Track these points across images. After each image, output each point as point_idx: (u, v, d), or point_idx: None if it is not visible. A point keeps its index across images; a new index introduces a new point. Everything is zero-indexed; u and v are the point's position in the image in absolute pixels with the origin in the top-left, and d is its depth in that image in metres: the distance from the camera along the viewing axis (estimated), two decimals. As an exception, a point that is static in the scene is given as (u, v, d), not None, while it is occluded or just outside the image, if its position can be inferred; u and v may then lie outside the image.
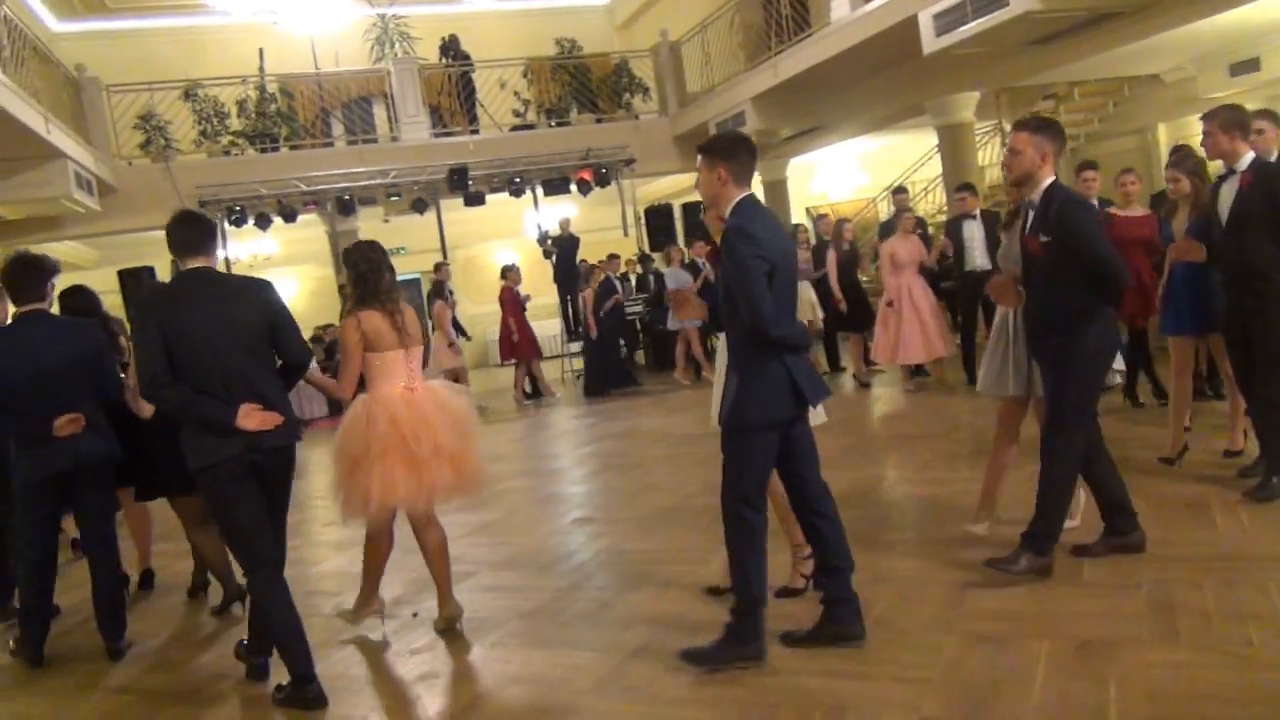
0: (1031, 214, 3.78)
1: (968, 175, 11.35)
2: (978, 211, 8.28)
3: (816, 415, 3.67)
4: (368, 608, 4.26)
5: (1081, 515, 4.24)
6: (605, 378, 11.90)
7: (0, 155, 9.03)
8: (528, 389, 12.24)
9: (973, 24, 7.97)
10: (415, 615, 4.44)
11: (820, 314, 9.74)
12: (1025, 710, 2.86)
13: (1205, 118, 4.45)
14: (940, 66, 9.88)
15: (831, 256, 9.62)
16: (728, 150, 3.36)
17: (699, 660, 3.36)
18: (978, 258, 8.03)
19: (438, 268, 11.58)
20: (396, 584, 5.04)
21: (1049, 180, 3.73)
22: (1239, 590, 3.45)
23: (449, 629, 4.13)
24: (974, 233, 8.13)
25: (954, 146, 11.43)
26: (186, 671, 4.15)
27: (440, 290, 11.22)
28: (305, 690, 3.49)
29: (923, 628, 3.51)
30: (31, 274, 4.28)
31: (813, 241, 11.17)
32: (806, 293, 9.22)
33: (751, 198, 3.38)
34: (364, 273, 4.08)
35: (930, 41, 8.55)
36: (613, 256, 12.64)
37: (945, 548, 4.29)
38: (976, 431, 6.53)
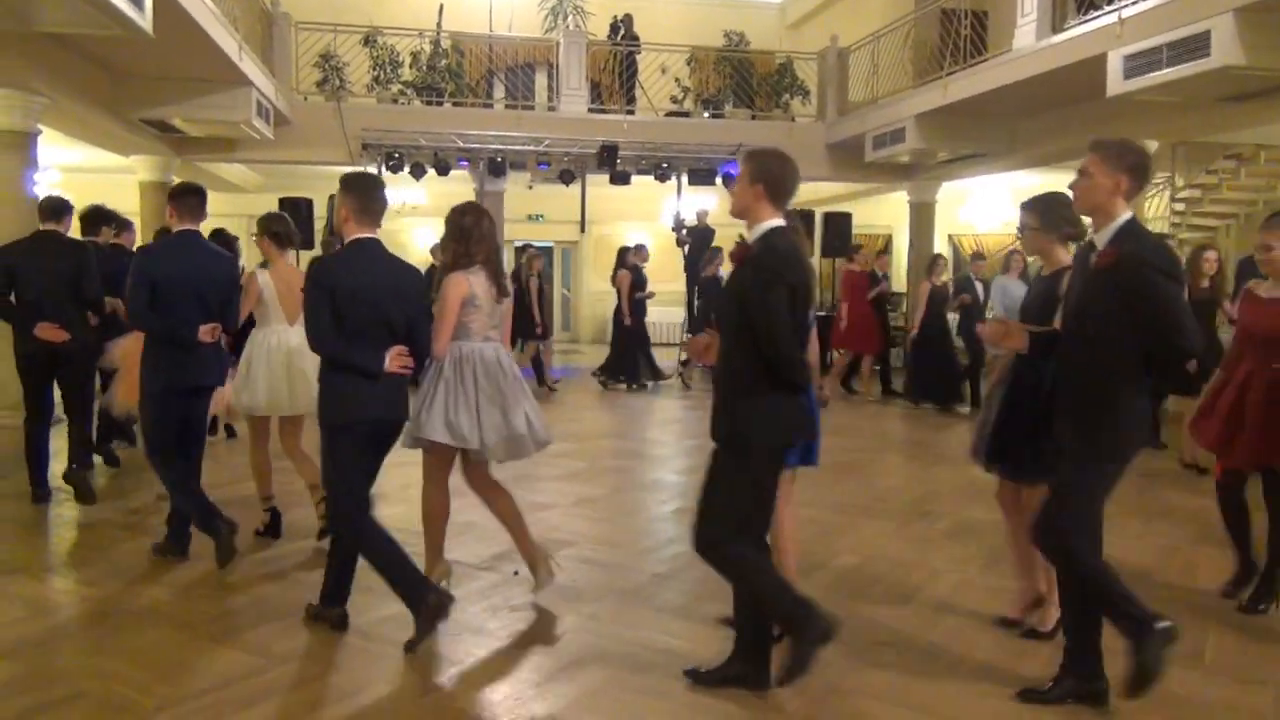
0: None
1: (1131, 226, 10.84)
2: None
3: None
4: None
5: None
6: (928, 388, 10.65)
7: (194, 75, 9.60)
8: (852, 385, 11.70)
9: (1166, 71, 7.58)
10: (515, 574, 4.57)
11: None
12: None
13: None
14: (1120, 110, 9.43)
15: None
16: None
17: None
18: None
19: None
20: (499, 542, 5.19)
21: None
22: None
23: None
24: None
25: (1121, 195, 10.91)
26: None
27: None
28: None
29: (1034, 678, 3.41)
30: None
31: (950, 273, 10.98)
32: None
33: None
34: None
35: (1116, 83, 8.17)
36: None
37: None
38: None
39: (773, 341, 3.08)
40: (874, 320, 11.44)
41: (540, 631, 3.92)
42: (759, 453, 3.18)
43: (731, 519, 3.21)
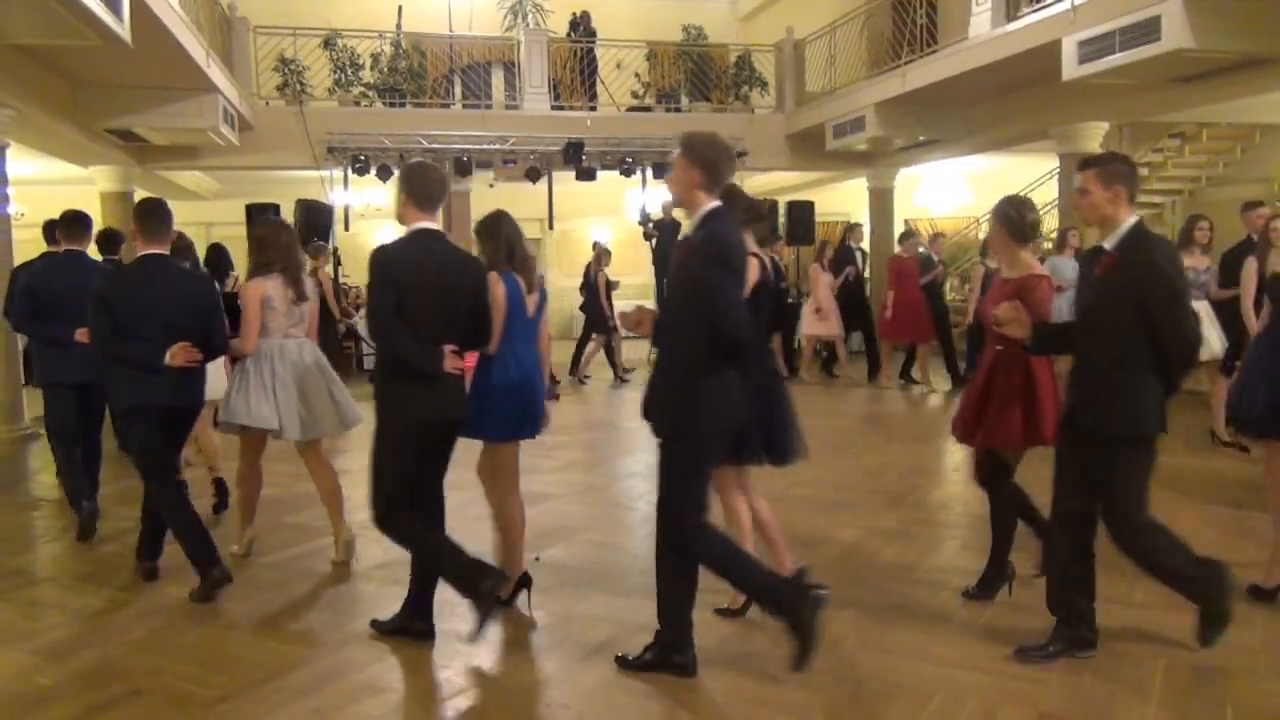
0: None
1: (1086, 205, 11.24)
2: None
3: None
4: None
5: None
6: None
7: (161, 83, 9.51)
8: (914, 375, 11.09)
9: (1120, 55, 7.91)
10: (537, 559, 4.71)
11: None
12: (1145, 720, 2.99)
13: None
14: (1073, 93, 9.81)
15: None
16: None
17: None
18: None
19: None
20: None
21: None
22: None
23: None
24: None
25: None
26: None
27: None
28: None
29: (1041, 632, 3.64)
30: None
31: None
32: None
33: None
34: None
35: (1071, 68, 8.49)
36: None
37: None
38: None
39: (379, 335, 3.56)
40: (925, 308, 10.81)
41: (568, 613, 4.05)
42: (394, 433, 3.57)
43: (382, 494, 3.59)
